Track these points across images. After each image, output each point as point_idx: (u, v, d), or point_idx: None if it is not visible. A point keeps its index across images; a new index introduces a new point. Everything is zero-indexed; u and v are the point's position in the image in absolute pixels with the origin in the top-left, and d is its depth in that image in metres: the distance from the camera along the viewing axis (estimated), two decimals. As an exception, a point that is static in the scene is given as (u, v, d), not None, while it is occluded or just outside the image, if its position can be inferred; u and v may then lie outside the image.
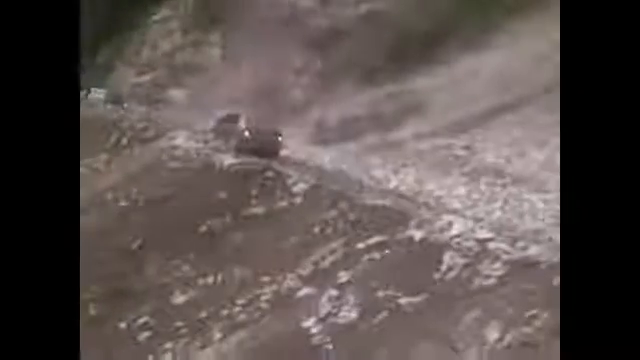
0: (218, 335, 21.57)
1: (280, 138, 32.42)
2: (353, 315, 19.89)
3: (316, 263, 22.93)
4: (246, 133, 32.02)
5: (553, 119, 32.33)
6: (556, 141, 30.59)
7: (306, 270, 22.79)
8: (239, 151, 31.41)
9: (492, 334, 16.89)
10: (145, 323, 23.35)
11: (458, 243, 20.85)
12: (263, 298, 22.35)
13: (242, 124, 32.59)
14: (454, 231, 21.52)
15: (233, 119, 33.50)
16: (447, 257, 20.31)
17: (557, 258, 18.66)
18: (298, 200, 27.19)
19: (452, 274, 19.76)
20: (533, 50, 39.26)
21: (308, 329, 20.03)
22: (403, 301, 19.41)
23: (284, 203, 27.26)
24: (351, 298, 20.45)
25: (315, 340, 19.60)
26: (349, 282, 21.23)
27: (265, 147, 31.52)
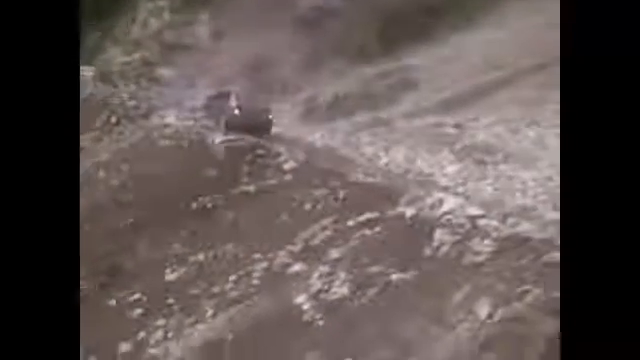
0: (210, 312, 21.62)
1: (271, 116, 32.38)
2: (344, 291, 19.96)
3: (307, 240, 22.97)
4: (236, 111, 31.96)
5: (544, 97, 32.39)
6: (547, 119, 30.66)
7: (297, 247, 22.83)
8: (229, 129, 31.35)
9: (483, 310, 16.99)
10: (137, 300, 23.38)
11: (449, 220, 20.92)
12: (254, 275, 22.40)
13: (232, 102, 32.50)
14: (445, 208, 21.58)
15: (223, 97, 33.40)
16: (438, 234, 20.38)
17: (547, 234, 18.78)
18: (289, 177, 27.20)
19: (443, 250, 19.84)
20: (524, 28, 39.22)
21: (299, 305, 20.10)
22: (394, 277, 19.48)
23: (274, 181, 27.26)
24: (342, 274, 20.51)
25: (306, 316, 19.67)
26: (340, 259, 21.29)
27: (256, 125, 31.49)
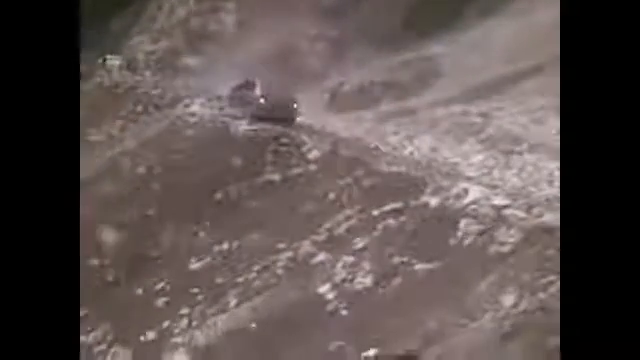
0: (234, 301, 21.70)
1: (296, 105, 32.35)
2: (368, 281, 19.95)
3: (331, 230, 22.96)
4: (262, 100, 31.94)
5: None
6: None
7: (321, 236, 22.83)
8: (255, 118, 31.36)
9: (508, 300, 16.92)
10: (162, 289, 23.51)
11: (474, 210, 20.83)
12: (279, 264, 22.43)
13: (258, 91, 32.48)
14: (470, 198, 21.49)
15: (249, 86, 33.37)
16: (463, 224, 20.31)
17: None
18: (313, 167, 27.16)
19: (468, 241, 19.77)
20: (550, 18, 38.89)
21: (323, 295, 20.12)
22: (418, 267, 19.45)
23: (299, 170, 27.24)
24: (366, 265, 20.51)
25: (330, 306, 19.69)
26: (364, 249, 21.28)
27: (281, 114, 31.46)
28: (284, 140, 29.23)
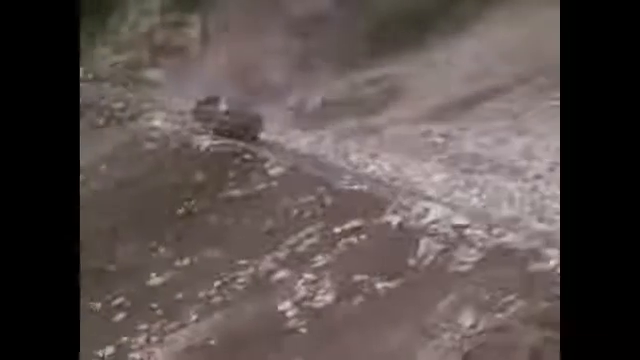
0: (194, 317, 21.56)
1: (259, 122, 32.36)
2: (329, 299, 19.94)
3: (292, 247, 22.94)
4: (225, 116, 31.91)
5: (532, 107, 32.46)
6: (534, 128, 30.72)
7: (282, 253, 22.80)
8: (218, 134, 31.31)
9: (466, 320, 17.00)
10: (120, 304, 23.30)
11: (434, 229, 20.94)
12: (239, 281, 22.36)
13: (222, 106, 32.45)
14: (431, 217, 21.60)
15: (213, 102, 33.34)
16: (423, 243, 20.40)
17: (532, 245, 18.82)
18: (275, 183, 27.16)
19: (428, 260, 19.86)
20: (511, 39, 39.32)
21: (284, 312, 20.07)
22: (379, 286, 19.49)
23: (261, 186, 27.22)
24: (327, 282, 20.50)
25: (290, 323, 19.64)
26: (325, 266, 21.28)
27: (245, 130, 31.48)
28: (247, 156, 29.20)
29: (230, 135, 31.01)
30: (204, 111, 33.33)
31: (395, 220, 22.01)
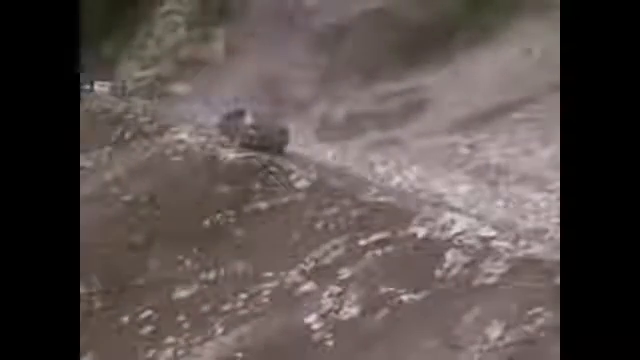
0: (220, 330, 21.61)
1: (285, 134, 32.47)
2: (354, 312, 19.90)
3: (318, 259, 22.94)
4: (251, 130, 32.03)
5: (558, 118, 32.27)
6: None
7: (308, 266, 22.81)
8: (244, 146, 31.44)
9: (493, 332, 16.90)
10: (147, 317, 23.40)
11: (460, 241, 20.85)
12: (265, 293, 22.38)
13: (248, 120, 32.59)
14: (456, 229, 21.52)
15: (239, 115, 33.50)
16: (449, 255, 20.32)
17: (559, 256, 18.69)
18: (301, 196, 27.20)
19: (454, 272, 19.77)
20: (539, 48, 39.17)
21: (309, 325, 20.06)
22: (405, 298, 19.42)
23: (287, 199, 27.27)
24: (353, 295, 20.46)
25: (316, 336, 19.62)
26: (351, 278, 21.24)
27: (270, 143, 31.60)
28: (272, 169, 29.27)
29: (256, 148, 31.13)
30: (230, 124, 33.49)
31: (421, 232, 21.95)
